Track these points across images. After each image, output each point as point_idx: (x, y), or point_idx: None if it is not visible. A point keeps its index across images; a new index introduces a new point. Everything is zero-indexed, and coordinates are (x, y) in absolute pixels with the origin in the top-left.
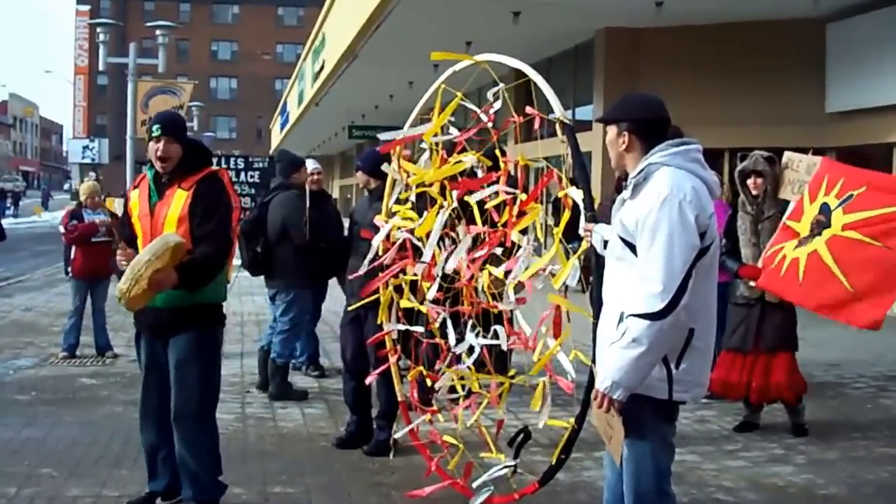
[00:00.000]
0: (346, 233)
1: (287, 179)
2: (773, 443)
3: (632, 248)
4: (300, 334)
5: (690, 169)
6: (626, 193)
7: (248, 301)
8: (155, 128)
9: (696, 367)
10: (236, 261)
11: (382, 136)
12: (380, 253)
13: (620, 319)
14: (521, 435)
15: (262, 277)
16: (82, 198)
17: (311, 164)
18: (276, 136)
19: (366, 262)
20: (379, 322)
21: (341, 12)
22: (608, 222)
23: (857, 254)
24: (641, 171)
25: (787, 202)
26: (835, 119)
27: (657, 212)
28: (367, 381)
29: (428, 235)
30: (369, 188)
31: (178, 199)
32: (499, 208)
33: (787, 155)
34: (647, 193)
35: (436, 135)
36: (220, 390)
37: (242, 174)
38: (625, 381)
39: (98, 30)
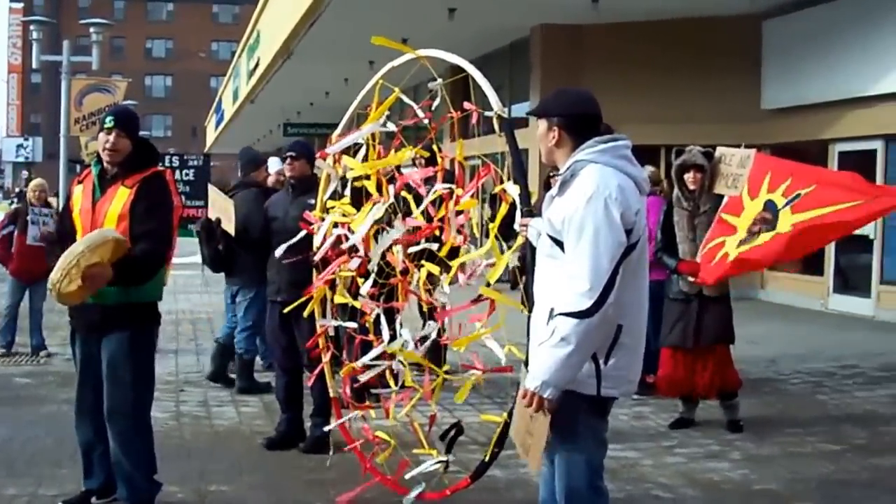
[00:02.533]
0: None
1: (247, 177)
2: (710, 439)
3: (560, 245)
4: (261, 329)
5: (618, 166)
6: (553, 190)
7: (184, 299)
8: (108, 119)
9: (624, 363)
10: (196, 258)
11: (331, 150)
12: (313, 249)
13: (551, 316)
14: (454, 430)
15: (196, 275)
16: (30, 194)
17: (277, 164)
18: (212, 134)
19: (280, 249)
20: (307, 314)
21: (276, 9)
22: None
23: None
24: (569, 168)
25: (721, 197)
26: (771, 116)
27: (583, 210)
28: (309, 383)
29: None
30: (293, 182)
31: (121, 197)
32: (436, 203)
33: (719, 150)
34: (574, 191)
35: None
36: (154, 389)
37: (177, 172)
38: (554, 379)
39: (31, 27)
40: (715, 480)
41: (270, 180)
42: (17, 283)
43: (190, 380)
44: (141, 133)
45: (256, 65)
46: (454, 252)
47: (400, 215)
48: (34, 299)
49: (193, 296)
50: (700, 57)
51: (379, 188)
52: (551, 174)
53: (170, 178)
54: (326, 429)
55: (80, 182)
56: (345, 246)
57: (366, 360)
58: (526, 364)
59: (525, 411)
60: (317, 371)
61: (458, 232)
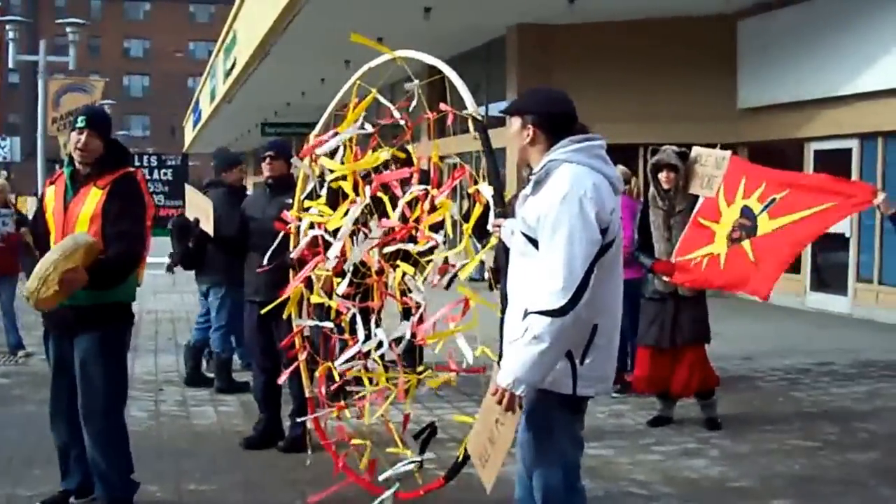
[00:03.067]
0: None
1: (219, 176)
2: (687, 437)
3: (534, 243)
4: (236, 327)
5: (592, 165)
6: (527, 189)
7: (163, 299)
8: (80, 119)
9: (600, 363)
10: (162, 258)
11: (320, 151)
12: (291, 249)
13: (525, 315)
14: (428, 430)
15: (176, 276)
16: None
17: None
18: (189, 134)
19: (268, 255)
20: (286, 315)
21: (252, 9)
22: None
23: (776, 239)
24: (543, 167)
25: (697, 197)
26: (746, 115)
27: (557, 208)
28: (280, 380)
29: (338, 231)
30: (270, 181)
31: (93, 198)
32: (411, 204)
33: (695, 150)
34: (548, 190)
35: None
36: (128, 388)
37: (155, 172)
38: (526, 377)
39: (7, 27)
40: (692, 478)
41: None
42: None
43: (169, 379)
44: (119, 133)
45: (233, 65)
46: (429, 252)
47: (376, 216)
48: (3, 299)
49: (173, 295)
50: (676, 56)
51: (355, 188)
52: (530, 175)
53: (141, 179)
54: (300, 420)
55: (52, 183)
56: (325, 248)
57: (341, 361)
58: (499, 363)
59: (490, 418)
60: (291, 369)
61: (434, 231)
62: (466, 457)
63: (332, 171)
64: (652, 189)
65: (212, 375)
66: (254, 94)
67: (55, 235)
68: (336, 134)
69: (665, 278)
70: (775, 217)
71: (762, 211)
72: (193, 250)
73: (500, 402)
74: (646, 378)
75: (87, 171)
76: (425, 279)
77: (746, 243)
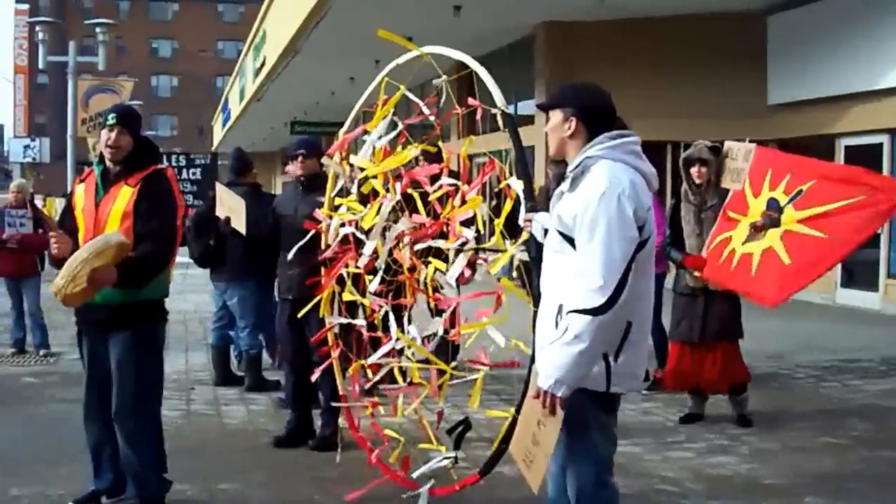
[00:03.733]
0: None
1: (237, 177)
2: (717, 434)
3: (570, 241)
4: (261, 324)
5: (628, 162)
6: (564, 186)
7: (193, 298)
8: (110, 116)
9: (633, 360)
10: (182, 258)
11: (360, 156)
12: (322, 247)
13: (559, 312)
14: (462, 426)
15: (203, 273)
16: (9, 196)
17: None
18: (218, 134)
19: (292, 251)
20: (321, 316)
21: (281, 8)
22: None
23: (808, 247)
24: (579, 164)
25: (728, 192)
26: (776, 111)
27: (595, 206)
28: (313, 378)
29: (371, 229)
30: (302, 179)
31: (124, 196)
32: (442, 200)
33: (727, 144)
34: (585, 187)
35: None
36: (162, 387)
37: (184, 171)
38: (567, 377)
39: (37, 28)
40: (722, 475)
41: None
42: (9, 282)
43: (199, 379)
44: (147, 133)
45: (262, 64)
46: (460, 248)
47: (407, 213)
48: (26, 299)
49: (203, 295)
50: (705, 53)
51: (385, 185)
52: (558, 173)
53: (171, 176)
54: (332, 418)
55: (82, 181)
56: (356, 246)
57: (375, 358)
58: (532, 362)
59: (532, 419)
60: (323, 366)
61: (465, 226)
62: (500, 453)
63: (362, 169)
64: (684, 184)
65: (242, 374)
66: (283, 92)
67: (84, 234)
68: (365, 132)
69: (696, 273)
70: (801, 209)
71: (788, 202)
72: (213, 249)
73: (542, 405)
74: (675, 372)
75: (118, 170)
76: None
77: (777, 242)
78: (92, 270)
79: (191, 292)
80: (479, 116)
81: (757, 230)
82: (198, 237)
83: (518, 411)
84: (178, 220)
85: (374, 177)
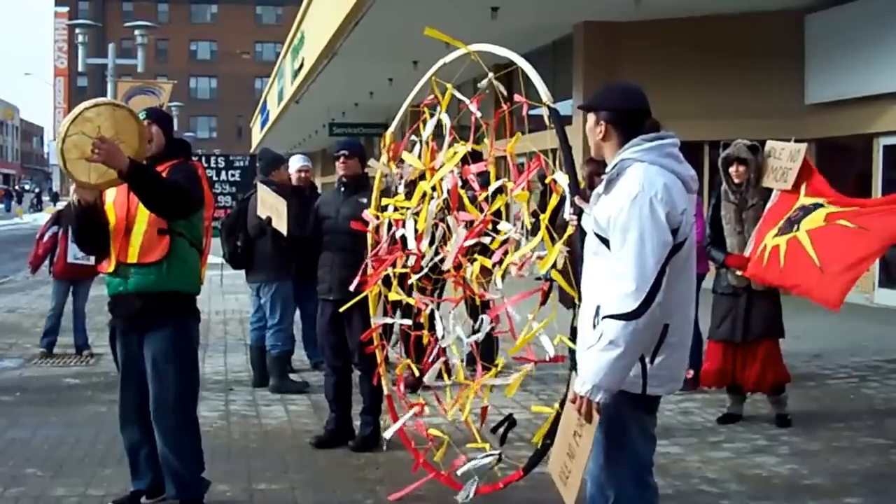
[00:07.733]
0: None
1: (266, 177)
2: (757, 434)
3: (606, 243)
4: (291, 324)
5: (664, 164)
6: (600, 188)
7: (232, 299)
8: (141, 114)
9: (671, 362)
10: (216, 258)
11: (372, 163)
12: (369, 247)
13: (596, 314)
14: (506, 423)
15: (240, 274)
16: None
17: (299, 161)
18: (257, 135)
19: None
20: (373, 315)
21: (320, 10)
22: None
23: (833, 236)
24: (615, 166)
25: (770, 191)
26: (815, 110)
27: (628, 210)
28: (374, 381)
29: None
30: (344, 180)
31: None
32: (488, 198)
33: (769, 144)
34: (619, 191)
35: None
36: (199, 386)
37: (223, 173)
38: (604, 383)
39: (77, 31)
40: (763, 475)
41: (293, 178)
42: (61, 284)
43: (238, 379)
44: (186, 134)
45: (301, 65)
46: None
47: (454, 211)
48: (77, 299)
49: (241, 295)
50: (742, 52)
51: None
52: (594, 174)
53: (199, 167)
54: (387, 434)
55: None
56: (403, 248)
57: (430, 359)
58: (573, 363)
59: (569, 430)
60: (379, 369)
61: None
62: (544, 449)
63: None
64: (724, 184)
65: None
66: (322, 94)
67: (115, 224)
68: (415, 133)
69: (738, 272)
70: (834, 205)
71: (818, 207)
72: (242, 249)
73: (579, 410)
74: (715, 372)
75: (147, 163)
76: (504, 276)
77: (803, 235)
78: (100, 137)
79: (230, 293)
80: (525, 113)
81: (789, 223)
82: (227, 238)
83: (562, 406)
84: (208, 214)
85: (423, 177)
